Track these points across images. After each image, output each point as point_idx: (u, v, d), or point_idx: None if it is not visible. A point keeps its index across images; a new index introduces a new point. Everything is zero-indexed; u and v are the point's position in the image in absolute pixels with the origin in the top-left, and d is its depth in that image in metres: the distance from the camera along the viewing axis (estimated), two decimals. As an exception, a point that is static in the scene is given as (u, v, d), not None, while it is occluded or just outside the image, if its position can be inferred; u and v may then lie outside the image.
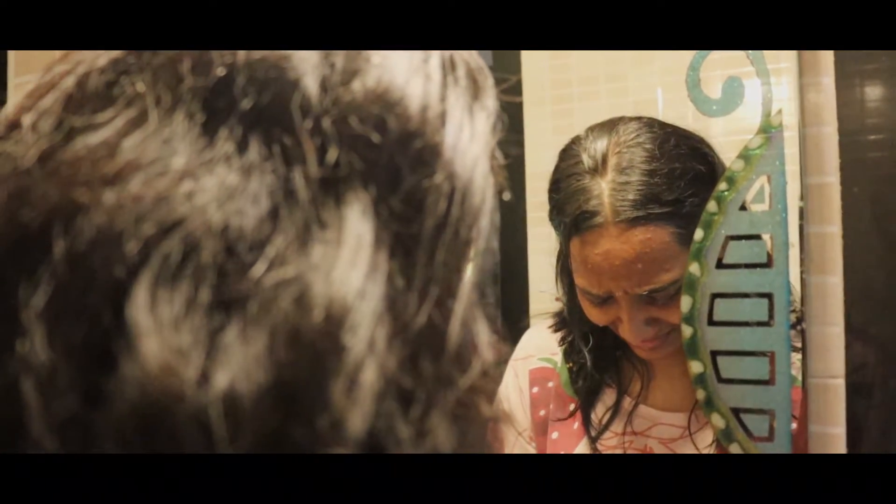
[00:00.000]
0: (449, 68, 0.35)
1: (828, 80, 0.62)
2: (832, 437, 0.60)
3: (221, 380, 0.24)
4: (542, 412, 0.99)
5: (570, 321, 0.97)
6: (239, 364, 0.25)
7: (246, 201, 0.27)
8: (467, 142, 0.33)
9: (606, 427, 0.94)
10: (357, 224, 0.28)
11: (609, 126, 0.88)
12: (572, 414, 0.96)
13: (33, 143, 0.29)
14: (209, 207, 0.27)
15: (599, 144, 0.84)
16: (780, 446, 0.61)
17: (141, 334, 0.24)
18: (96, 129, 0.29)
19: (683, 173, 0.80)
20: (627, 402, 0.94)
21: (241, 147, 0.29)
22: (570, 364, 0.98)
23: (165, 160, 0.28)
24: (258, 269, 0.26)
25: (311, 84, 0.30)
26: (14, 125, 0.30)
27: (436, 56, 0.35)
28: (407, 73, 0.32)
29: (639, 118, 0.89)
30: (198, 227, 0.26)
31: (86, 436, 0.24)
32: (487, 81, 0.37)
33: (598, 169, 0.83)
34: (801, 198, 0.60)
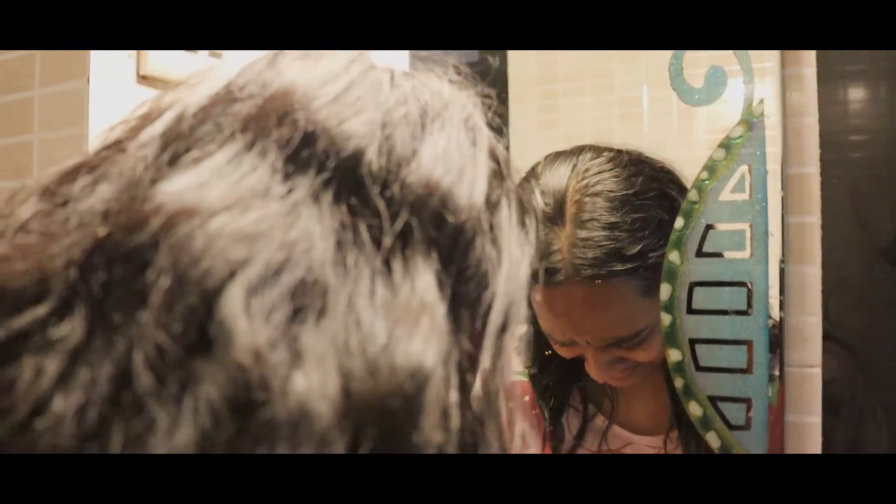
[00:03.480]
0: (491, 156, 0.40)
1: (809, 72, 0.62)
2: (808, 425, 0.60)
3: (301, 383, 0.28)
4: (519, 427, 0.97)
5: (535, 344, 0.91)
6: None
7: (318, 249, 0.31)
8: (507, 218, 0.39)
9: (579, 443, 0.92)
10: (428, 288, 0.32)
11: (567, 163, 0.81)
12: (546, 429, 0.94)
13: (143, 168, 0.34)
14: (284, 247, 0.30)
15: (556, 186, 0.78)
16: (757, 435, 0.62)
17: (235, 332, 0.28)
18: (195, 163, 0.33)
19: (647, 223, 0.75)
20: (601, 421, 0.92)
21: (316, 199, 0.33)
22: (541, 383, 0.95)
23: (254, 201, 0.32)
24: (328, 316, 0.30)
25: (373, 157, 0.35)
26: (118, 147, 0.36)
27: (483, 148, 0.39)
28: (454, 165, 0.37)
29: (599, 153, 0.81)
30: (278, 260, 0.30)
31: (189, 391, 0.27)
32: (508, 157, 0.42)
33: (556, 218, 0.77)
34: (782, 188, 0.61)
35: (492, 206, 0.38)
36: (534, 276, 0.76)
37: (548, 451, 0.93)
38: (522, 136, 1.61)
